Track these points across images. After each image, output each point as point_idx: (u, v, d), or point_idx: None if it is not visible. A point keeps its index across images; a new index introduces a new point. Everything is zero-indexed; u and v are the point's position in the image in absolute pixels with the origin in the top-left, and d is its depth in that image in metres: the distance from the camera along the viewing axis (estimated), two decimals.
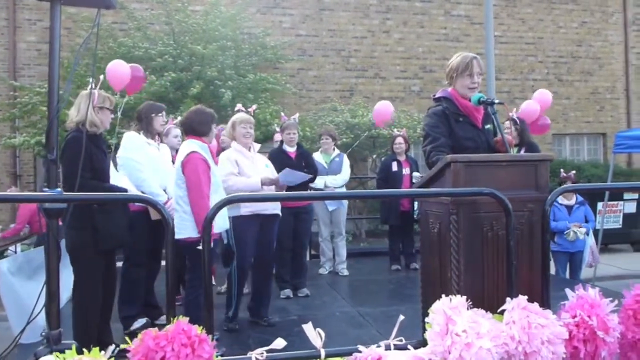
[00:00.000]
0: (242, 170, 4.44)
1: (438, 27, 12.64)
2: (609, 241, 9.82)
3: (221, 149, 5.76)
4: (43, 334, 2.31)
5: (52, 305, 2.31)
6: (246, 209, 4.37)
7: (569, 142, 13.67)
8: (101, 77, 4.31)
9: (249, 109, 5.04)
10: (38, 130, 8.94)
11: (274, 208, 4.53)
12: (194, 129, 3.99)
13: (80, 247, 3.45)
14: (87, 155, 3.08)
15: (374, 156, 10.73)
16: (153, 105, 4.71)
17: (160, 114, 4.56)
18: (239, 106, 4.95)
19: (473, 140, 3.13)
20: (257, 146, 4.73)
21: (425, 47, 12.55)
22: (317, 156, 6.45)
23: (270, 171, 4.66)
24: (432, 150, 3.05)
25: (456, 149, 3.03)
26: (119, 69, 6.40)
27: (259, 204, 4.34)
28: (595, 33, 13.60)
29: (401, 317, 2.24)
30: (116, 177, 3.94)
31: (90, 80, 3.83)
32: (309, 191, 5.87)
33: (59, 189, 2.33)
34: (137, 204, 4.14)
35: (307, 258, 6.50)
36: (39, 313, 2.46)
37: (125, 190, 3.78)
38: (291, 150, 5.73)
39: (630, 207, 10.22)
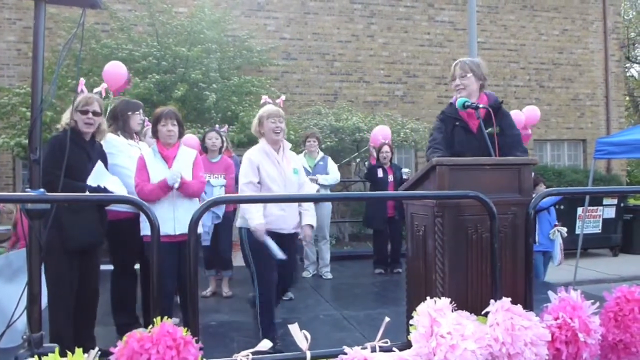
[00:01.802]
0: (264, 179, 3.88)
1: (422, 33, 12.73)
2: (588, 246, 9.97)
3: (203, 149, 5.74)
4: (24, 337, 2.26)
5: (33, 308, 2.27)
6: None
7: (549, 147, 13.83)
8: (83, 80, 4.27)
9: (277, 101, 4.55)
10: (17, 131, 8.78)
11: (292, 227, 4.01)
12: None
13: (46, 246, 3.31)
14: (62, 153, 2.90)
15: (358, 160, 10.75)
16: (129, 102, 4.46)
17: (137, 112, 4.30)
18: (265, 98, 4.46)
19: (462, 145, 3.25)
20: (288, 145, 4.15)
21: (409, 52, 12.62)
22: (302, 159, 6.44)
23: (297, 179, 4.09)
24: (429, 147, 3.28)
25: (451, 152, 3.20)
26: (116, 70, 6.33)
27: (274, 222, 3.85)
28: (576, 40, 13.80)
29: (387, 319, 2.25)
30: (107, 179, 3.64)
31: (76, 82, 3.80)
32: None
33: (42, 190, 2.29)
34: (129, 210, 4.04)
35: None
36: (19, 316, 2.41)
37: (105, 190, 3.51)
38: None
39: (610, 212, 10.37)
